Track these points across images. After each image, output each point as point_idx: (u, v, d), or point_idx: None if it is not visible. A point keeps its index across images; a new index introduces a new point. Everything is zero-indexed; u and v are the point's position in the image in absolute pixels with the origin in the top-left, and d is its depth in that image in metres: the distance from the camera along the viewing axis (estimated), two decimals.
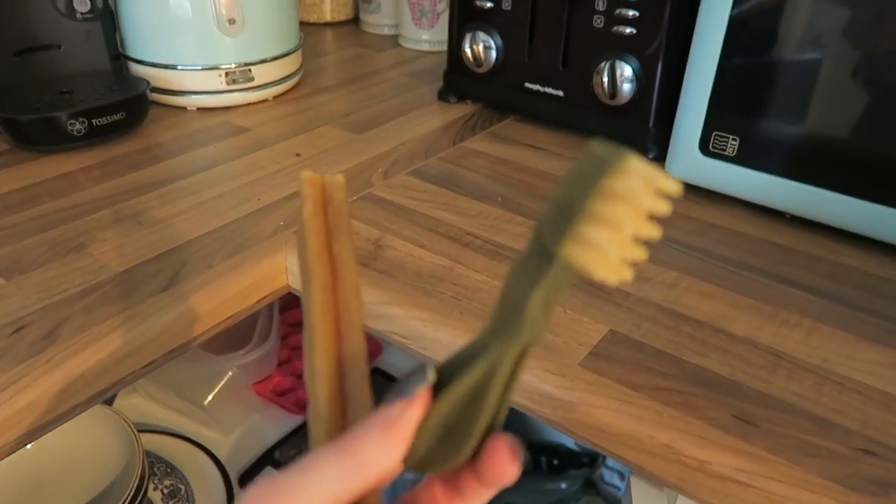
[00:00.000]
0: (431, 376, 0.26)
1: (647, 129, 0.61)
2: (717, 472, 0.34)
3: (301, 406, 0.80)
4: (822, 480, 0.33)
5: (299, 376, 0.84)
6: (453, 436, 0.25)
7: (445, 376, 0.25)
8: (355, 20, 1.01)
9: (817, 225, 0.53)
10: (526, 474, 1.02)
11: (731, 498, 0.34)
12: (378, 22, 0.95)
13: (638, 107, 0.61)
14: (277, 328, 0.84)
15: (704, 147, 0.54)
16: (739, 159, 0.52)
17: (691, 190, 0.58)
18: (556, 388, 0.39)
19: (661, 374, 0.39)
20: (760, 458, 0.34)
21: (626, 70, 0.60)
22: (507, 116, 0.73)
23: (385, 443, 0.24)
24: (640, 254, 0.23)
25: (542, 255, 0.24)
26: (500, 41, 0.67)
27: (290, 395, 0.81)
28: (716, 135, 0.53)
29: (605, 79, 0.61)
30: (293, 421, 0.79)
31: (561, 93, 0.65)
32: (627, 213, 0.22)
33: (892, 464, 0.34)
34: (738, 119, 0.52)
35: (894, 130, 0.47)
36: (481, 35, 0.67)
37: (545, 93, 0.66)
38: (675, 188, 0.22)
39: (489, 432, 0.26)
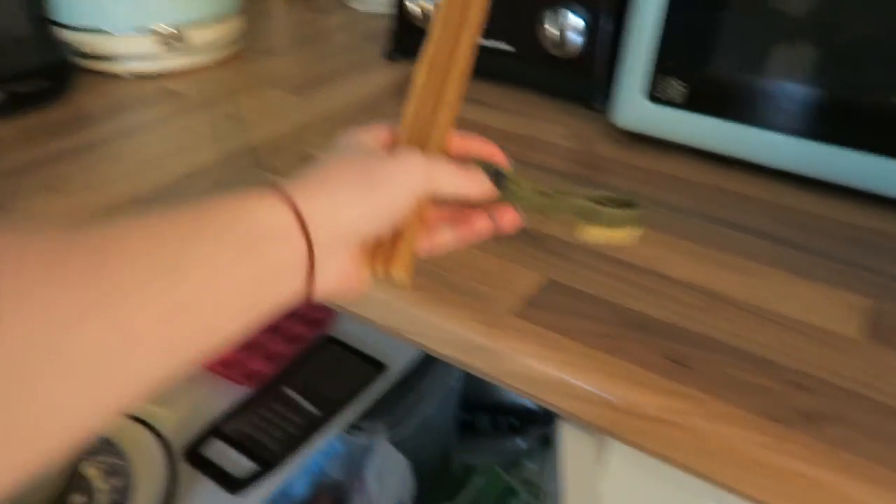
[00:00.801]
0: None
1: (597, 81, 0.60)
2: (646, 414, 0.33)
3: (249, 377, 0.78)
4: (752, 415, 0.32)
5: (248, 348, 0.82)
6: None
7: None
8: None
9: (763, 169, 0.52)
10: (486, 435, 1.03)
11: (661, 439, 0.33)
12: None
13: (585, 57, 0.59)
14: None
15: (650, 93, 0.52)
16: (686, 105, 0.51)
17: (637, 139, 0.57)
18: (487, 338, 0.37)
19: (595, 320, 0.38)
20: (691, 398, 0.33)
21: (574, 20, 0.58)
22: None
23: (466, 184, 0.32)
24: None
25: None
26: None
27: (238, 366, 0.79)
28: (662, 80, 0.51)
29: (553, 29, 0.59)
30: (240, 392, 0.77)
31: (511, 47, 0.63)
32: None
33: (823, 396, 0.33)
34: (685, 64, 0.51)
35: (841, 71, 0.46)
36: None
37: (495, 48, 0.64)
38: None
39: None
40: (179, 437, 0.72)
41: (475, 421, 1.04)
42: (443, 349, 0.39)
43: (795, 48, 0.47)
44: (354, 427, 0.81)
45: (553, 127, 0.60)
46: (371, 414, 0.81)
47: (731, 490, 0.33)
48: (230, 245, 0.25)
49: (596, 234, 0.34)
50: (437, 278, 0.41)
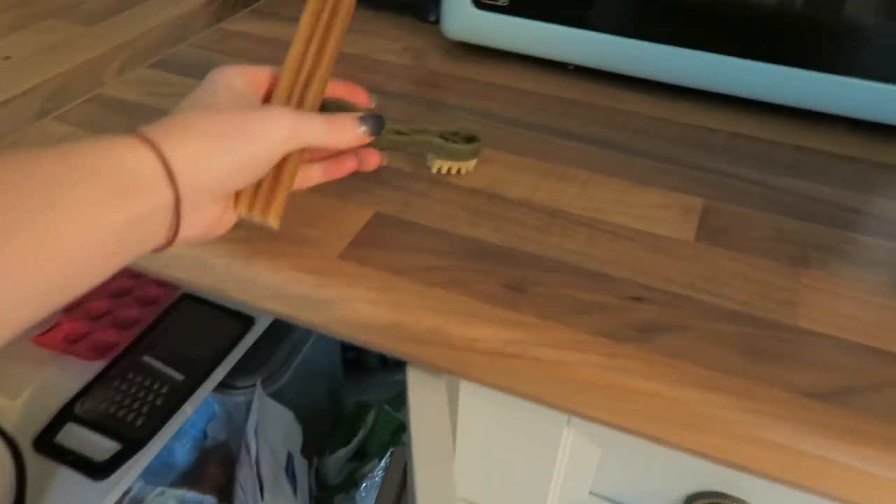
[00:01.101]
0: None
1: None
2: (486, 349, 0.31)
3: (99, 350, 0.71)
4: (590, 336, 0.31)
5: (95, 318, 0.74)
6: None
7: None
8: None
9: (600, 73, 0.50)
10: (373, 370, 1.01)
11: (504, 372, 0.31)
12: None
13: None
14: None
15: (477, 0, 0.48)
16: (513, 9, 0.48)
17: (472, 49, 0.53)
18: (314, 287, 0.34)
19: (429, 253, 0.35)
20: (529, 326, 0.31)
21: None
22: None
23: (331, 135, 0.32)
24: None
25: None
26: None
27: (84, 340, 0.72)
28: None
29: None
30: (93, 368, 0.70)
31: None
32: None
33: (659, 306, 0.32)
34: None
35: None
36: None
37: None
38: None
39: None
40: (27, 428, 0.65)
41: (361, 358, 1.02)
42: (268, 304, 0.35)
43: None
44: (229, 386, 0.77)
45: (387, 43, 0.56)
46: (246, 369, 0.77)
47: (578, 415, 0.31)
48: (97, 189, 0.25)
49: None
50: (257, 227, 0.36)
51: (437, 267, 0.34)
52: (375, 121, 0.33)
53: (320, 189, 0.39)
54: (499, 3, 0.48)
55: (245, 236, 0.36)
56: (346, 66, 0.52)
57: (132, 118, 0.45)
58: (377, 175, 0.40)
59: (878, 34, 0.41)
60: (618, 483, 0.40)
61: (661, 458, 0.36)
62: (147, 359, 0.73)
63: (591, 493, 0.40)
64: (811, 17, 0.42)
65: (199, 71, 0.50)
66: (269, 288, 0.35)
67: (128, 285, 0.79)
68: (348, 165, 0.36)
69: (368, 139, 0.33)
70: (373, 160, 0.36)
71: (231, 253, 0.35)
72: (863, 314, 0.33)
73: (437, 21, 0.55)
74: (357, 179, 0.40)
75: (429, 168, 0.40)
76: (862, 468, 0.27)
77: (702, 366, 0.30)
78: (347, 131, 0.32)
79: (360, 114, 0.33)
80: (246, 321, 0.78)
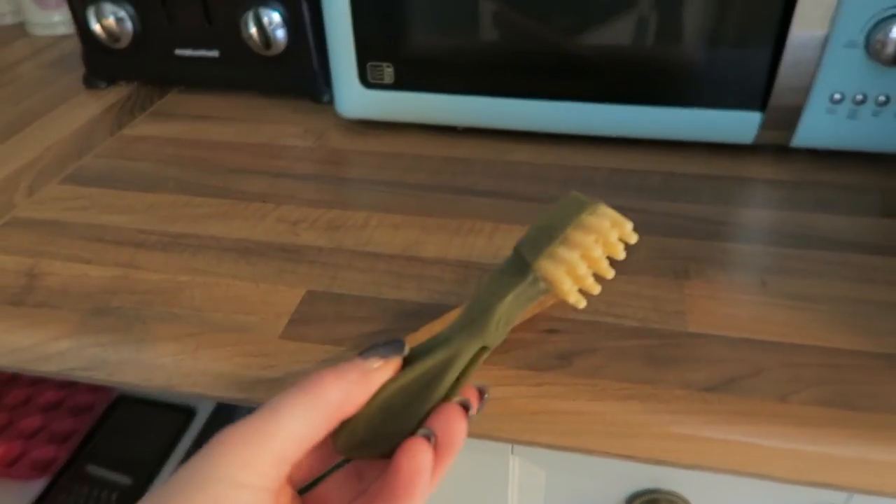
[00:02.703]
0: (406, 349, 0.28)
1: (313, 74, 0.59)
2: None
3: (39, 467, 0.70)
4: (517, 371, 0.35)
5: (29, 436, 0.72)
6: (392, 421, 0.27)
7: (407, 360, 0.28)
8: None
9: (486, 131, 0.55)
10: None
11: None
12: None
13: (297, 52, 0.58)
14: None
15: (364, 79, 0.53)
16: (398, 84, 0.52)
17: (367, 125, 0.58)
18: (262, 369, 0.36)
19: (362, 320, 0.39)
20: None
21: (273, 16, 0.57)
22: (168, 91, 0.66)
23: (360, 389, 0.26)
24: (596, 288, 0.29)
25: (518, 269, 0.29)
26: (130, 8, 0.60)
27: (22, 460, 0.70)
28: (371, 65, 0.52)
29: (255, 29, 0.57)
30: (35, 487, 0.69)
31: (215, 53, 0.60)
32: (594, 244, 0.28)
33: (571, 334, 0.37)
34: (386, 45, 0.51)
35: (538, 29, 0.50)
36: (107, 6, 0.59)
37: (199, 56, 0.61)
38: (633, 236, 0.30)
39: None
40: None
41: None
42: (221, 392, 0.38)
43: (494, 14, 0.50)
44: None
45: (286, 128, 0.59)
46: None
47: (519, 442, 0.35)
48: None
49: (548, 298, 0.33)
50: (199, 321, 0.39)
51: (371, 332, 0.38)
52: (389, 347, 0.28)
53: (248, 276, 0.42)
54: (385, 82, 0.53)
55: (188, 330, 0.38)
56: (249, 156, 0.55)
57: (48, 235, 0.46)
58: (299, 254, 0.43)
59: (711, 68, 0.48)
60: (566, 498, 0.44)
61: (597, 468, 0.41)
62: (91, 468, 0.72)
63: None
64: (658, 59, 0.49)
65: (108, 179, 0.52)
66: (219, 376, 0.37)
67: (58, 397, 0.78)
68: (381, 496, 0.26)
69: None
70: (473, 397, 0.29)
71: (178, 350, 0.37)
72: (739, 311, 0.38)
73: (331, 101, 0.60)
74: (284, 262, 0.43)
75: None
76: (755, 443, 0.32)
77: (614, 379, 0.34)
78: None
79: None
80: (188, 412, 0.78)
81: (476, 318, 0.28)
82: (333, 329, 0.38)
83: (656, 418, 0.33)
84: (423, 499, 0.25)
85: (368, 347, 0.28)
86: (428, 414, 0.27)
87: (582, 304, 0.29)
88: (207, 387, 0.38)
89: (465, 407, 0.27)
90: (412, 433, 0.26)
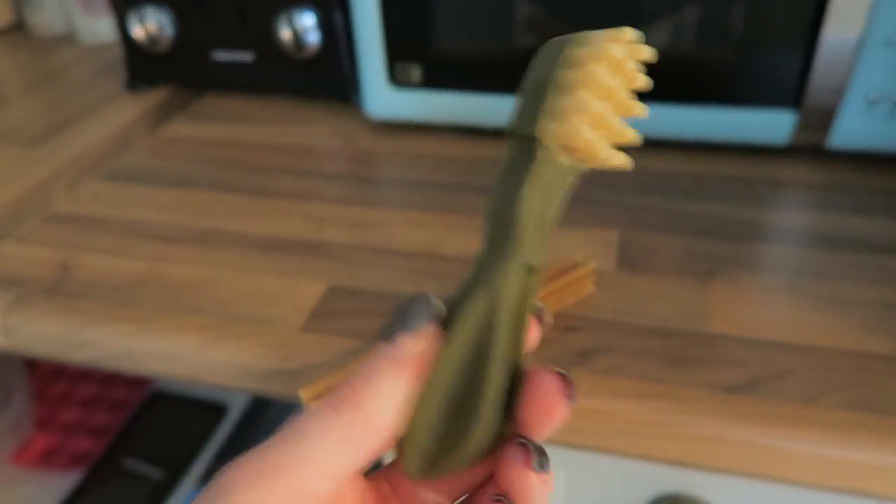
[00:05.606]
0: (438, 304, 0.20)
1: (343, 77, 0.60)
2: None
3: (77, 459, 0.72)
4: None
5: (68, 429, 0.75)
6: (462, 409, 0.20)
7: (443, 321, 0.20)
8: (19, 26, 0.88)
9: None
10: None
11: None
12: (46, 20, 0.84)
13: (328, 56, 0.59)
14: (25, 386, 0.73)
15: (392, 79, 0.53)
16: (426, 83, 0.53)
17: (396, 127, 0.58)
18: (281, 361, 0.37)
19: (381, 315, 0.39)
20: None
21: (306, 19, 0.58)
22: (204, 94, 0.68)
23: (395, 384, 0.19)
24: (631, 134, 0.20)
25: (522, 151, 0.20)
26: (171, 13, 0.61)
27: (61, 452, 0.72)
28: (399, 65, 0.53)
29: (289, 32, 0.58)
30: (73, 478, 0.71)
31: (250, 57, 0.62)
32: (599, 74, 0.19)
33: (591, 332, 0.36)
34: (415, 44, 0.52)
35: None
36: (149, 11, 0.61)
37: (235, 60, 0.62)
38: (644, 49, 0.20)
39: (509, 410, 0.20)
40: None
41: None
42: (242, 383, 0.38)
43: (509, 16, 0.50)
44: (212, 476, 0.77)
45: (316, 129, 0.60)
46: (227, 458, 0.77)
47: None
48: None
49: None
50: (222, 314, 0.39)
51: None
52: None
53: (273, 271, 0.42)
54: (413, 81, 0.53)
55: (209, 323, 0.39)
56: (280, 157, 0.56)
57: (83, 230, 0.48)
58: (325, 251, 0.44)
59: (744, 68, 0.47)
60: (588, 502, 0.43)
61: (618, 471, 0.40)
62: (126, 460, 0.74)
63: None
64: (691, 60, 0.48)
65: (145, 177, 0.54)
66: (240, 367, 0.38)
67: (96, 392, 0.80)
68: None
69: None
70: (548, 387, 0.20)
71: (200, 342, 0.38)
72: (766, 313, 0.37)
73: (360, 104, 0.60)
74: (307, 257, 0.43)
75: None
76: (779, 446, 0.31)
77: (633, 378, 0.34)
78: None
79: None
80: (219, 410, 0.79)
81: (500, 237, 0.20)
82: (353, 323, 0.38)
83: (676, 418, 0.32)
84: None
85: (387, 323, 0.20)
86: (505, 384, 0.20)
87: (622, 160, 0.20)
88: (228, 377, 0.38)
89: (563, 376, 0.20)
90: (494, 419, 0.20)
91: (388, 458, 0.23)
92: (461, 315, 0.20)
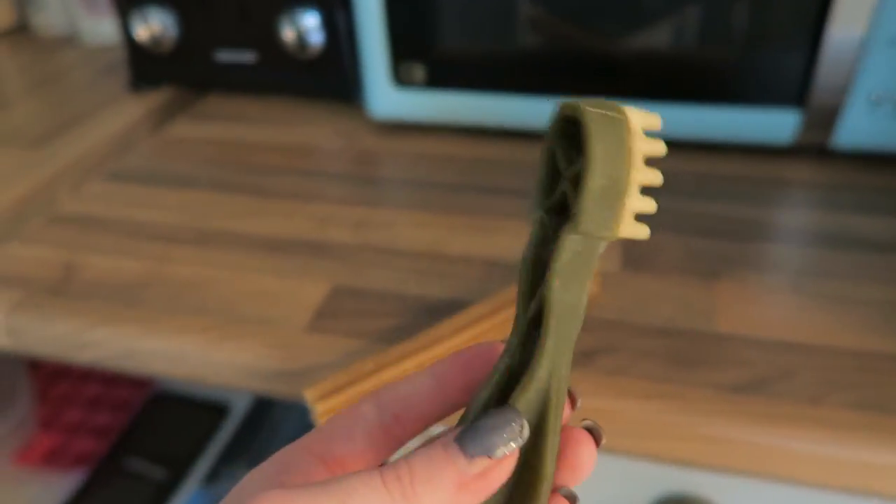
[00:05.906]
0: (527, 429, 0.19)
1: (346, 77, 0.60)
2: None
3: (80, 459, 0.72)
4: None
5: (72, 430, 0.75)
6: (521, 482, 0.20)
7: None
8: (22, 27, 0.89)
9: (517, 133, 0.55)
10: None
11: None
12: (49, 21, 0.84)
13: (332, 56, 0.59)
14: (29, 386, 0.74)
15: (395, 80, 0.53)
16: (429, 83, 0.53)
17: (399, 127, 0.58)
18: (284, 361, 0.37)
19: (385, 315, 0.39)
20: None
21: (309, 19, 0.58)
22: (207, 94, 0.68)
23: (455, 497, 0.18)
24: (648, 203, 0.21)
25: (587, 245, 0.20)
26: (174, 14, 0.61)
27: (65, 453, 0.72)
28: (402, 65, 0.53)
29: (292, 32, 0.58)
30: (76, 479, 0.71)
31: (253, 57, 0.62)
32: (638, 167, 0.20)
33: (595, 332, 0.36)
34: (418, 44, 0.52)
35: (575, 31, 0.50)
36: (152, 11, 0.61)
37: (238, 61, 0.62)
38: (657, 121, 0.21)
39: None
40: None
41: None
42: (244, 383, 0.38)
43: (512, 17, 0.50)
44: (216, 477, 0.78)
45: (319, 129, 0.60)
46: (230, 457, 0.78)
47: None
48: None
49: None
50: (226, 314, 0.39)
51: (394, 327, 0.38)
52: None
53: (277, 272, 0.42)
54: (416, 81, 0.53)
55: (215, 323, 0.39)
56: (283, 157, 0.56)
57: (86, 230, 0.48)
58: (328, 251, 0.44)
59: (749, 67, 0.47)
60: (593, 502, 0.43)
61: (623, 471, 0.40)
62: (129, 460, 0.74)
63: None
64: (695, 59, 0.48)
65: (148, 177, 0.54)
66: (242, 368, 0.38)
67: (99, 392, 0.80)
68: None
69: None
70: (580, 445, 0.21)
71: (203, 342, 0.38)
72: (771, 313, 0.37)
73: (363, 104, 0.60)
74: (310, 257, 0.43)
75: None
76: (784, 445, 0.31)
77: (637, 378, 0.34)
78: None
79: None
80: (222, 410, 0.79)
81: (564, 329, 0.20)
82: (356, 323, 0.38)
83: (680, 418, 0.32)
84: None
85: (470, 427, 0.19)
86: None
87: (645, 233, 0.21)
88: (232, 377, 0.38)
89: (592, 432, 0.21)
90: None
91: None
92: (523, 398, 0.20)
